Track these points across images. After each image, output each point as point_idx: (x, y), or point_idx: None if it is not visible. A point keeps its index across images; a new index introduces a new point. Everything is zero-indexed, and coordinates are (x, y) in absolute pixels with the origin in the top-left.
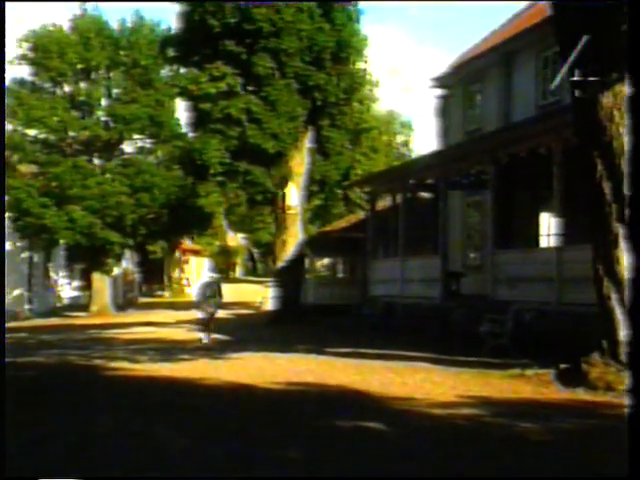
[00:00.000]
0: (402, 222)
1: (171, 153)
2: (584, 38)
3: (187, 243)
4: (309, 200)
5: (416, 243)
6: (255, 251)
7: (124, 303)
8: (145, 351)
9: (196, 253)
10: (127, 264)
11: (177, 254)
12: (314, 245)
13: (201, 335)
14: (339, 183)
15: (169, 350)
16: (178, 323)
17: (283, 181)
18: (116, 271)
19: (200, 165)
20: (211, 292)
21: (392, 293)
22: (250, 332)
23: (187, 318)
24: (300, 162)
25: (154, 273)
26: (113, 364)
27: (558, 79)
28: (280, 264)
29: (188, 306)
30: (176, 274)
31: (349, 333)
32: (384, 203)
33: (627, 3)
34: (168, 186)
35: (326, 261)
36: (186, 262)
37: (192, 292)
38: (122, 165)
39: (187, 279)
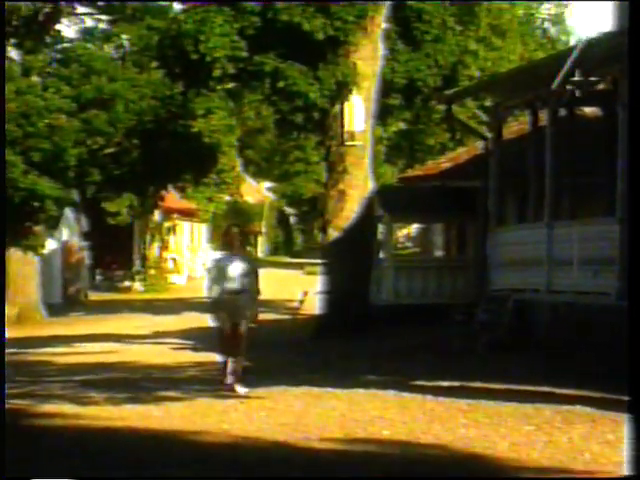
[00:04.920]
0: (550, 160)
1: (145, 40)
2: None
3: (174, 198)
4: (385, 123)
5: (575, 197)
6: (291, 212)
7: (65, 301)
8: (100, 385)
9: (190, 215)
10: (70, 235)
11: (156, 217)
12: (393, 201)
13: (219, 358)
14: (438, 92)
15: (141, 382)
16: (158, 335)
17: (340, 89)
18: (51, 246)
19: (196, 62)
20: (239, 279)
21: (530, 285)
22: (284, 351)
23: (175, 327)
24: (370, 56)
25: (116, 250)
26: (45, 408)
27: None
28: (334, 234)
29: (176, 306)
30: (154, 252)
31: (453, 355)
32: (518, 127)
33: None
34: (141, 98)
35: (413, 229)
36: (172, 231)
37: (181, 281)
38: (59, 61)
39: (173, 260)
